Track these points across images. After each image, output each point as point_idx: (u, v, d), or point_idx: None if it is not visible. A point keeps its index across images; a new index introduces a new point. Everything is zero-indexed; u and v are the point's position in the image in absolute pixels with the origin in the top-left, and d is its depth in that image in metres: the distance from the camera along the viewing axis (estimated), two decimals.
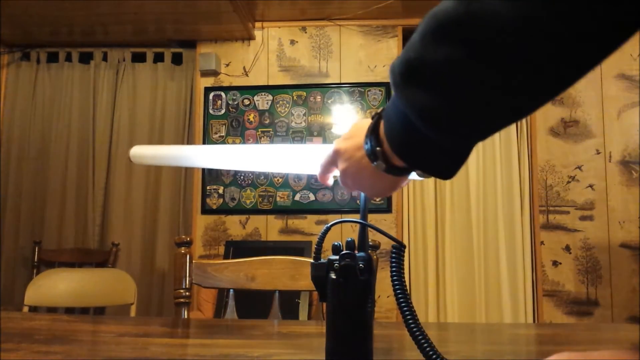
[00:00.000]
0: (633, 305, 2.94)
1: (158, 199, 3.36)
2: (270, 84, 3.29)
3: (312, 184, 3.17)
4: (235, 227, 3.20)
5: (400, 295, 0.55)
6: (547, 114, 3.11)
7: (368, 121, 0.61)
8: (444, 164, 0.53)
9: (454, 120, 0.45)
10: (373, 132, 0.58)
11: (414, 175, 0.61)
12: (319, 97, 3.25)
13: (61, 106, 3.45)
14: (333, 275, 0.57)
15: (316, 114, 3.24)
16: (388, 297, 2.99)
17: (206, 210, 3.23)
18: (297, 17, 3.26)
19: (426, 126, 0.47)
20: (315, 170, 0.73)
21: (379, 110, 0.59)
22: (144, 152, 0.87)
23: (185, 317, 1.20)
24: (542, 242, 3.04)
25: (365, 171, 0.60)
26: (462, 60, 0.41)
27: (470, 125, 0.46)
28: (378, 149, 0.57)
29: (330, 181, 0.72)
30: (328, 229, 0.59)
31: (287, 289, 1.20)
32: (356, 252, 0.59)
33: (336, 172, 0.69)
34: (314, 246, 0.85)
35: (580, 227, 3.03)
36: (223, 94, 3.30)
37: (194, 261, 1.21)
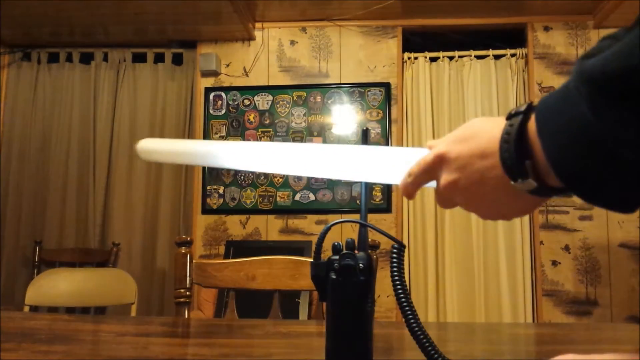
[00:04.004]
0: (632, 305, 2.94)
1: (159, 198, 3.36)
2: (270, 84, 3.29)
3: (312, 184, 3.17)
4: (236, 227, 3.20)
5: (401, 294, 0.55)
6: None
7: (493, 121, 0.47)
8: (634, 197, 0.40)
9: None
10: (520, 138, 0.42)
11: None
12: (319, 97, 3.25)
13: (62, 106, 3.45)
14: (333, 275, 0.57)
15: (316, 114, 3.25)
16: (388, 296, 3.00)
17: (206, 210, 3.23)
18: (297, 18, 3.26)
19: None
20: (395, 179, 0.55)
21: (521, 109, 0.43)
22: (155, 147, 0.75)
23: (186, 316, 1.20)
24: (541, 242, 3.04)
25: (487, 187, 0.46)
26: None
27: None
28: (527, 162, 0.42)
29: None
30: (328, 229, 0.60)
31: (288, 288, 1.20)
32: (356, 252, 0.59)
33: (432, 184, 0.53)
34: (314, 246, 0.85)
35: (579, 227, 3.03)
36: (223, 94, 3.31)
37: (194, 261, 1.22)
